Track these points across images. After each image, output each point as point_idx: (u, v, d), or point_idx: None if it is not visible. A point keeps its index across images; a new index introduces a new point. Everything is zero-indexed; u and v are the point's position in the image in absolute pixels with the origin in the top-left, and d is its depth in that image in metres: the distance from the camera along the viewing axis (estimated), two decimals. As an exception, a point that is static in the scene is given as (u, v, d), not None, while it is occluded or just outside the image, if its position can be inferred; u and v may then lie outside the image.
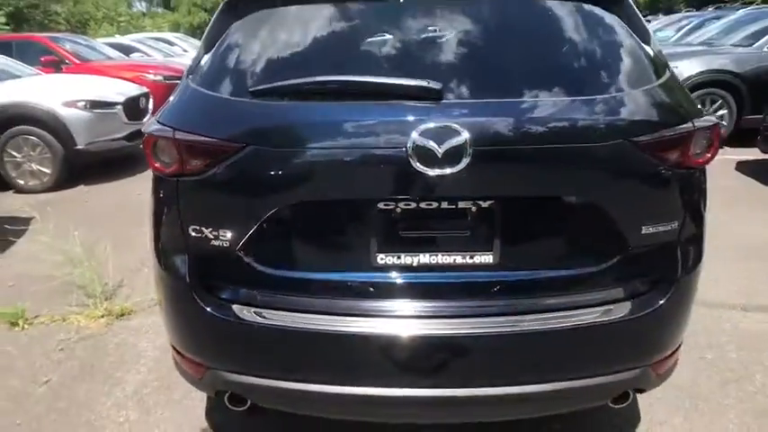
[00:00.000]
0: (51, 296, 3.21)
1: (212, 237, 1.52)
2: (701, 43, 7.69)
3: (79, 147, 5.52)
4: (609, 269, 1.50)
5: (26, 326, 2.94)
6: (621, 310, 1.51)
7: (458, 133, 1.36)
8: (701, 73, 6.50)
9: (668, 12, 31.60)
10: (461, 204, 1.45)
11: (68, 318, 2.98)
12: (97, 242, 3.47)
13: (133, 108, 6.15)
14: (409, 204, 1.45)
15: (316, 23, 1.59)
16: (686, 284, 1.61)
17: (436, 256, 1.48)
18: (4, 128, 5.42)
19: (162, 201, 1.63)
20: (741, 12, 8.61)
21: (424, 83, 1.39)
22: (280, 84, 1.48)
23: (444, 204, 1.44)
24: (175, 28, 43.22)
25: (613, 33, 1.58)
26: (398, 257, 1.48)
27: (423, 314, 1.48)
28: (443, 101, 1.40)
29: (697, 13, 11.62)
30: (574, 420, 2.16)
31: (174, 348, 1.77)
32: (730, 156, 6.25)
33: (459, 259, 1.48)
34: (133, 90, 6.39)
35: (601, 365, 1.54)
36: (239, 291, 1.57)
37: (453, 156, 1.36)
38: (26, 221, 4.52)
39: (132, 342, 2.76)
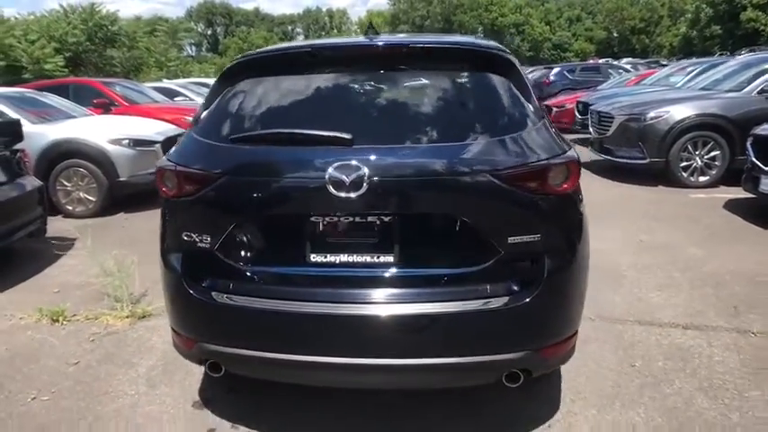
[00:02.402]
0: (88, 300, 3.86)
1: (198, 240, 2.08)
2: (702, 88, 8.02)
3: (122, 179, 6.27)
4: (486, 270, 1.96)
5: (65, 322, 3.55)
6: (499, 302, 1.95)
7: (359, 168, 1.90)
8: (694, 116, 6.86)
9: (703, 54, 31.88)
10: (370, 219, 1.98)
11: (100, 317, 3.58)
12: (130, 259, 4.10)
13: (170, 147, 6.81)
14: (332, 218, 1.99)
15: (281, 91, 2.19)
16: (553, 286, 2.01)
17: (353, 255, 2.00)
18: (58, 160, 6.21)
19: (166, 215, 2.22)
20: (740, 57, 8.93)
21: (340, 134, 1.95)
22: (248, 134, 2.09)
23: (358, 219, 1.98)
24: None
25: (501, 93, 2.09)
26: (326, 257, 2.01)
27: (343, 299, 1.98)
28: (354, 146, 1.94)
29: (708, 59, 11.97)
30: (497, 410, 2.53)
31: (173, 329, 2.32)
32: (721, 194, 6.51)
33: (369, 259, 1.99)
34: (171, 131, 7.16)
35: (484, 346, 1.98)
36: (216, 281, 2.11)
37: (356, 184, 1.89)
38: (72, 241, 5.27)
39: (148, 337, 3.32)
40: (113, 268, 3.85)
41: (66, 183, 6.27)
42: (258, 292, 2.04)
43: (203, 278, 2.12)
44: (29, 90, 8.05)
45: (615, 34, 59.84)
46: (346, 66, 2.21)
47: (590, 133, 8.57)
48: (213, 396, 2.67)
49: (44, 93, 7.72)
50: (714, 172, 6.94)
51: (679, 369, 2.87)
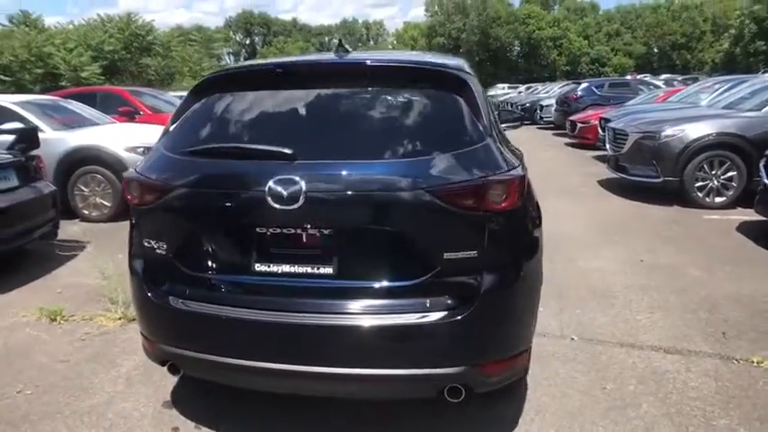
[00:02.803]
0: (87, 301, 4.05)
1: (156, 247, 2.20)
2: (725, 106, 7.81)
3: (136, 185, 6.53)
4: (422, 284, 2.00)
5: (62, 321, 3.74)
6: (435, 316, 1.98)
7: (296, 182, 1.97)
8: (710, 135, 6.69)
9: (746, 71, 30.94)
10: (310, 231, 2.04)
11: (95, 318, 3.76)
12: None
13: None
14: (275, 230, 2.06)
15: (241, 106, 2.30)
16: (492, 303, 2.02)
17: (295, 266, 2.07)
18: (76, 166, 6.50)
19: (132, 222, 2.36)
20: (765, 76, 8.65)
21: (281, 149, 2.03)
22: (197, 147, 2.21)
23: (298, 231, 2.05)
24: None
25: (447, 111, 2.14)
26: (269, 266, 2.09)
27: (285, 308, 2.05)
28: (296, 161, 2.02)
29: (739, 76, 11.64)
30: (453, 424, 2.54)
31: (141, 333, 2.44)
32: (736, 216, 6.32)
33: (309, 270, 2.06)
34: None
35: (421, 360, 2.00)
36: (173, 286, 2.23)
37: (294, 198, 1.97)
38: (84, 244, 5.54)
39: (136, 339, 3.43)
40: (111, 271, 4.03)
41: (83, 188, 6.56)
42: (210, 298, 2.14)
43: (162, 283, 2.24)
44: (60, 98, 8.49)
45: (655, 49, 58.56)
46: (306, 83, 2.29)
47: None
48: (183, 397, 2.77)
49: (71, 101, 8.11)
50: (731, 193, 6.74)
51: (650, 393, 2.82)
